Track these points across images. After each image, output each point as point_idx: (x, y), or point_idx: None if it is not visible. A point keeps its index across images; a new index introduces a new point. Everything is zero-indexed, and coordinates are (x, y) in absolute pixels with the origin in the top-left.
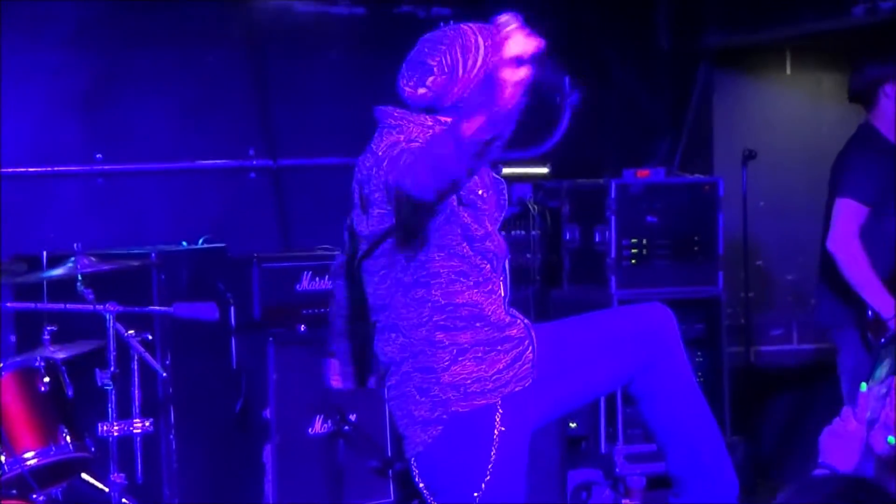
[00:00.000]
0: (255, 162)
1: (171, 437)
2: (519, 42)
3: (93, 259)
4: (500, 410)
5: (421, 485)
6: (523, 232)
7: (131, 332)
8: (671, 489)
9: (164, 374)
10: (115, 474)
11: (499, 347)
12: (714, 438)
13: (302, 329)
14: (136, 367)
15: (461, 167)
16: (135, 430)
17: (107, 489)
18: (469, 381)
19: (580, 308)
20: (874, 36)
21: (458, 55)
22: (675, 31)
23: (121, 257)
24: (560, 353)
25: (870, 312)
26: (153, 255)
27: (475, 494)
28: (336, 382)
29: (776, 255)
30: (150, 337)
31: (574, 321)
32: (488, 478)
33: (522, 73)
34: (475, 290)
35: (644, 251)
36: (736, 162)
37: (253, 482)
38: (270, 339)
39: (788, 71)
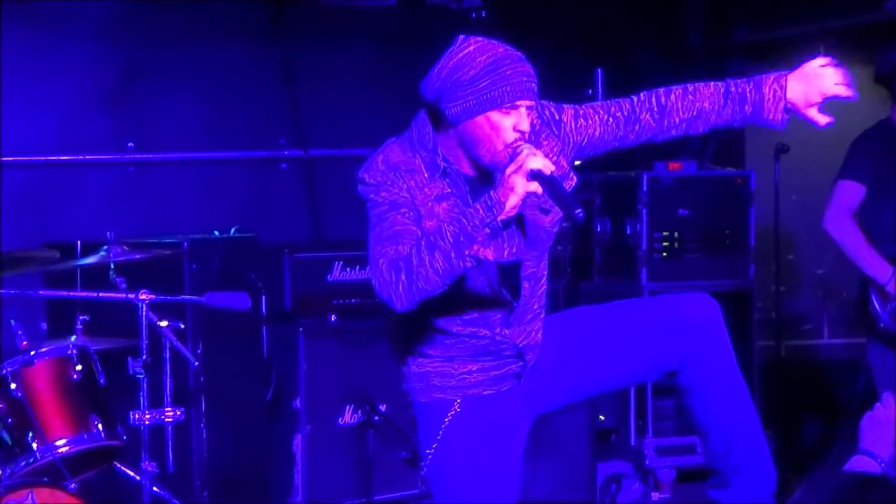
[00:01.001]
0: (285, 152)
1: (202, 426)
2: (537, 161)
3: (125, 248)
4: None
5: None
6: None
7: (164, 321)
8: (708, 480)
9: (196, 363)
10: (147, 463)
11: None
12: (756, 432)
13: (332, 319)
14: (167, 355)
15: (446, 282)
16: (166, 419)
17: (138, 477)
18: (433, 375)
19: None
20: None
21: (449, 58)
22: (704, 25)
23: (153, 246)
24: (580, 340)
25: (871, 289)
26: (185, 244)
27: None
28: None
29: (807, 249)
30: (182, 326)
31: (608, 308)
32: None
33: (532, 186)
34: (463, 299)
35: (675, 244)
36: (768, 156)
37: (283, 472)
38: (301, 329)
39: None
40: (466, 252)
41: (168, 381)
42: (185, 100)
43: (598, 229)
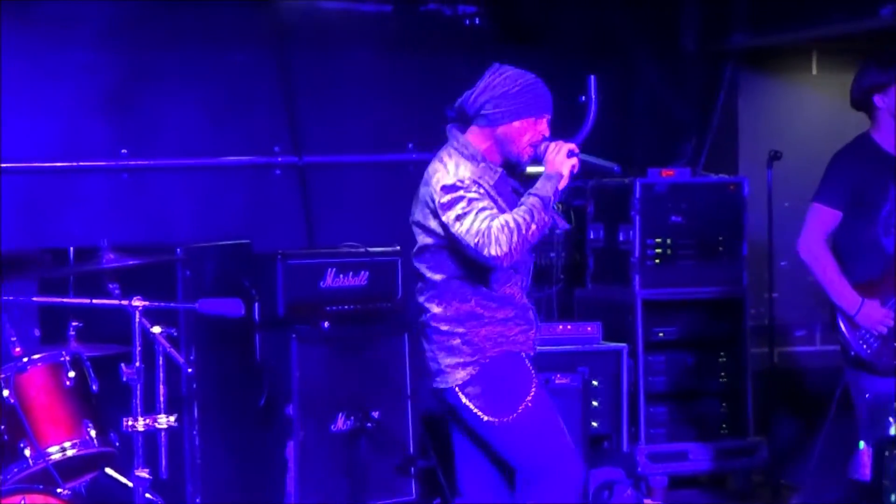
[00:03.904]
0: (280, 159)
1: (195, 432)
2: (564, 150)
3: (119, 254)
4: (527, 359)
5: (466, 402)
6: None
7: (157, 327)
8: None
9: (189, 370)
10: (140, 469)
11: (518, 322)
12: None
13: (325, 326)
14: (160, 362)
15: (541, 235)
16: (159, 426)
17: (131, 484)
18: (497, 337)
19: (604, 307)
20: None
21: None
22: (701, 31)
23: (147, 252)
24: None
25: (839, 316)
26: (179, 250)
27: (520, 409)
28: None
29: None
30: (175, 332)
31: None
32: (529, 401)
33: (573, 160)
34: (505, 285)
35: (668, 251)
36: (761, 163)
37: (275, 478)
38: (294, 335)
39: (815, 72)
40: (547, 214)
41: (161, 387)
42: (181, 106)
43: (592, 236)
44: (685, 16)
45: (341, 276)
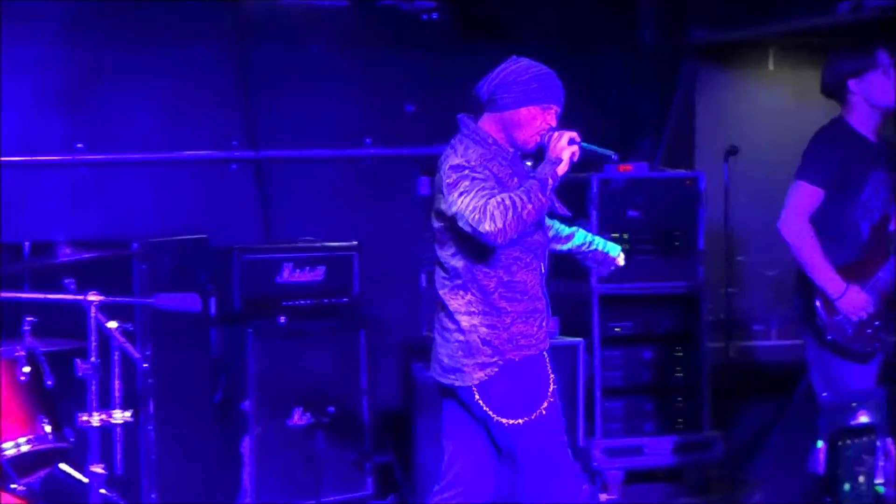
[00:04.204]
0: (237, 153)
1: (151, 428)
2: (570, 134)
3: (75, 249)
4: (545, 358)
5: (481, 403)
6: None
7: (112, 322)
8: None
9: (145, 365)
10: (95, 465)
11: (538, 315)
12: None
13: (282, 321)
14: (116, 357)
15: (538, 217)
16: (114, 421)
17: (86, 480)
18: (520, 339)
19: (560, 301)
20: (858, 33)
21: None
22: (658, 26)
23: (103, 247)
24: None
25: (818, 299)
26: (135, 245)
27: (534, 415)
28: None
29: (757, 250)
30: (131, 327)
31: None
32: (545, 405)
33: (573, 147)
34: (525, 270)
35: (626, 246)
36: (718, 157)
37: (231, 473)
38: (250, 330)
39: (771, 67)
40: (544, 195)
41: (116, 382)
42: (138, 100)
43: None
44: (644, 11)
45: (298, 270)
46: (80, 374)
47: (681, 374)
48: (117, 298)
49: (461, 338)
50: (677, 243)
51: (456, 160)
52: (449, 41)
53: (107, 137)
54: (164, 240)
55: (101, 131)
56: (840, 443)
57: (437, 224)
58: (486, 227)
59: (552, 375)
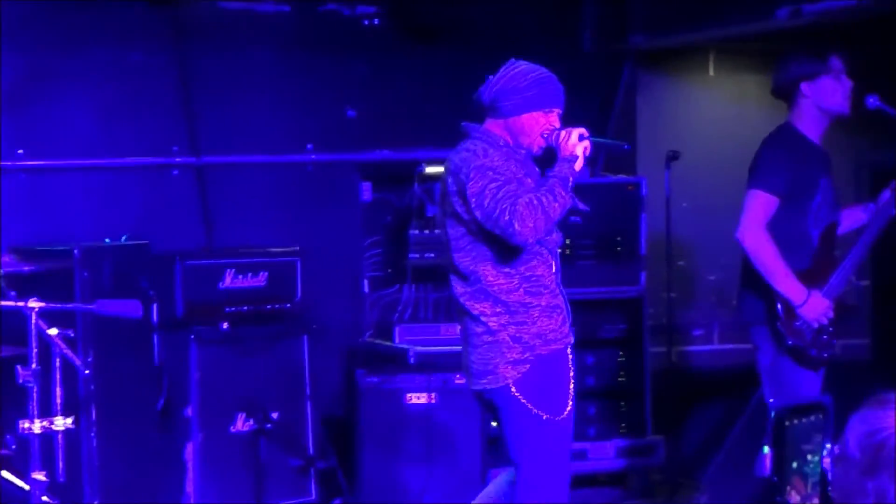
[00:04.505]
0: (178, 159)
1: (93, 435)
2: (575, 134)
3: (15, 256)
4: (570, 353)
5: (520, 398)
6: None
7: (53, 329)
8: None
9: (87, 372)
10: (36, 472)
11: (559, 311)
12: None
13: (224, 327)
14: (58, 364)
15: (562, 213)
16: (56, 428)
17: (27, 487)
18: (548, 334)
19: None
20: (797, 39)
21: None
22: (599, 32)
23: (44, 254)
24: None
25: (779, 305)
26: (76, 251)
27: (565, 411)
28: None
29: (699, 255)
30: (73, 334)
31: None
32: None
33: (585, 143)
34: (544, 266)
35: (567, 251)
36: (659, 163)
37: (174, 480)
38: (193, 336)
39: (712, 72)
40: (567, 193)
41: (58, 389)
42: (78, 106)
43: None
44: (584, 16)
45: (240, 276)
46: (20, 381)
47: (623, 379)
48: (58, 305)
49: (490, 338)
50: (619, 248)
51: (479, 161)
52: (390, 46)
53: (47, 143)
54: (105, 246)
55: (41, 137)
56: (787, 422)
57: (453, 230)
58: (517, 226)
59: (573, 374)
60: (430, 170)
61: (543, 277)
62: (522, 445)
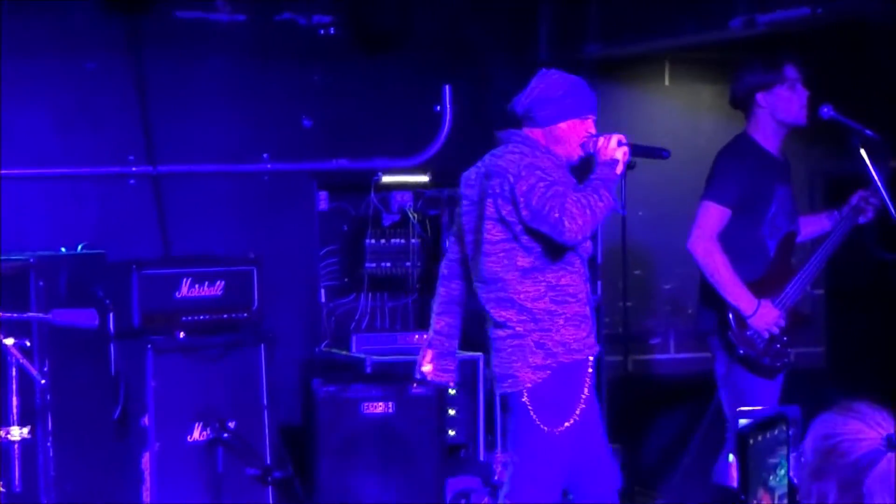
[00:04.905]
0: (134, 168)
1: (49, 444)
2: (614, 139)
3: None
4: (590, 363)
5: (528, 407)
6: (403, 240)
7: (9, 339)
8: None
9: (43, 382)
10: None
11: (587, 321)
12: None
13: (181, 336)
14: (13, 374)
15: (607, 214)
16: (12, 438)
17: None
18: (572, 343)
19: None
20: (752, 48)
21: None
22: (554, 41)
23: None
24: None
25: (730, 315)
26: (32, 260)
27: (573, 420)
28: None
29: (655, 264)
30: (28, 343)
31: None
32: (583, 406)
33: (624, 148)
34: (574, 275)
35: None
36: None
37: (131, 489)
38: (149, 346)
39: (667, 82)
40: (611, 194)
41: (14, 399)
42: (33, 115)
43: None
44: (540, 25)
45: (197, 285)
46: None
47: None
48: (14, 314)
49: (515, 342)
50: None
51: (527, 160)
52: (347, 56)
53: (2, 152)
54: (61, 255)
55: None
56: (751, 440)
57: (491, 234)
58: (567, 223)
59: (590, 386)
60: (386, 179)
61: (570, 286)
62: (517, 449)
